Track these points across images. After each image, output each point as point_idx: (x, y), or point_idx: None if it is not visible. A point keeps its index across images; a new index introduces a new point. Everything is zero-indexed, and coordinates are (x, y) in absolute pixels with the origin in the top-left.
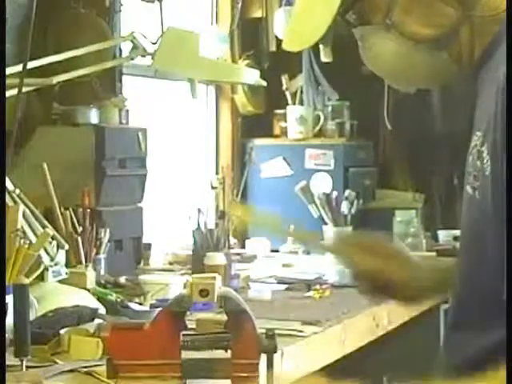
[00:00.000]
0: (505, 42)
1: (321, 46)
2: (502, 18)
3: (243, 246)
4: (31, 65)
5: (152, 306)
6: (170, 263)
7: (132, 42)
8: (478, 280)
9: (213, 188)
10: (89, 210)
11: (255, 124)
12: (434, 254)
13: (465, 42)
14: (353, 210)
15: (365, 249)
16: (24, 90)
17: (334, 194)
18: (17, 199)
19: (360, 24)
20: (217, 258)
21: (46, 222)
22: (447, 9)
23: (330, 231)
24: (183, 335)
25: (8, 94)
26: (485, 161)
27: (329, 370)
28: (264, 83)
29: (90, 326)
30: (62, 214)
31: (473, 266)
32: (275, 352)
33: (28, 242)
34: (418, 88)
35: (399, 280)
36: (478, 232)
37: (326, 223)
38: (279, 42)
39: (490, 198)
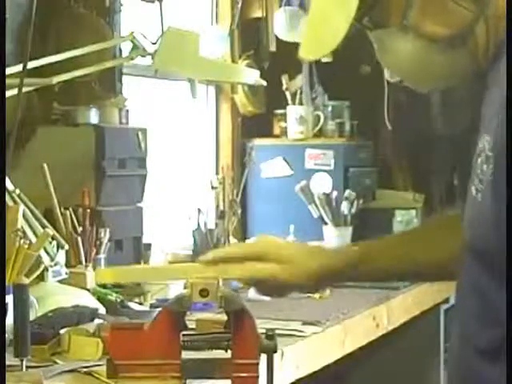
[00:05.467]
0: None
1: None
2: None
3: None
4: (31, 65)
5: (152, 306)
6: (170, 263)
7: (132, 41)
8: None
9: (213, 188)
10: (89, 210)
11: (255, 124)
12: None
13: (480, 39)
14: (353, 210)
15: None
16: (24, 90)
17: (334, 194)
18: (17, 199)
19: (376, 27)
20: None
21: (45, 222)
22: (462, 8)
23: (330, 231)
24: (183, 335)
25: (8, 94)
26: (491, 166)
27: None
28: (264, 83)
29: (90, 326)
30: (62, 213)
31: (470, 266)
32: (275, 352)
33: (28, 241)
34: (435, 87)
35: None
36: (477, 233)
37: (325, 223)
38: (279, 41)
39: (490, 203)
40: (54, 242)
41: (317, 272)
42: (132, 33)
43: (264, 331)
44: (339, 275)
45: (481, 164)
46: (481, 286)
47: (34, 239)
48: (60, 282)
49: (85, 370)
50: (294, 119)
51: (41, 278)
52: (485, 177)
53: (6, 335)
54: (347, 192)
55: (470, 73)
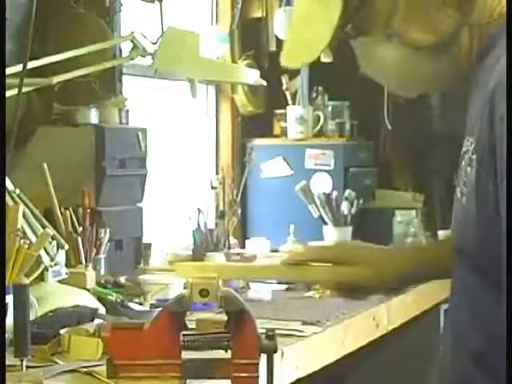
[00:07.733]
0: (499, 44)
1: None
2: (498, 22)
3: (243, 246)
4: (31, 65)
5: (152, 306)
6: (170, 263)
7: (132, 41)
8: (463, 282)
9: (213, 188)
10: (89, 210)
11: (255, 124)
12: None
13: (464, 44)
14: (353, 210)
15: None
16: (24, 90)
17: (334, 194)
18: (17, 199)
19: (359, 35)
20: (217, 258)
21: (46, 222)
22: (445, 16)
23: (330, 231)
24: (183, 335)
25: (8, 93)
26: (474, 169)
27: None
28: (264, 83)
29: (90, 326)
30: (62, 213)
31: (459, 268)
32: (275, 352)
33: (28, 242)
34: (419, 93)
35: (362, 280)
36: (462, 236)
37: (325, 223)
38: (279, 41)
39: (474, 206)
40: (54, 242)
41: (397, 273)
42: (132, 33)
43: (264, 331)
44: (416, 275)
45: (465, 166)
46: (469, 288)
47: (34, 239)
48: (60, 281)
49: (85, 369)
50: (294, 119)
51: (41, 278)
52: (468, 179)
53: (6, 335)
54: (347, 192)
55: (454, 78)
